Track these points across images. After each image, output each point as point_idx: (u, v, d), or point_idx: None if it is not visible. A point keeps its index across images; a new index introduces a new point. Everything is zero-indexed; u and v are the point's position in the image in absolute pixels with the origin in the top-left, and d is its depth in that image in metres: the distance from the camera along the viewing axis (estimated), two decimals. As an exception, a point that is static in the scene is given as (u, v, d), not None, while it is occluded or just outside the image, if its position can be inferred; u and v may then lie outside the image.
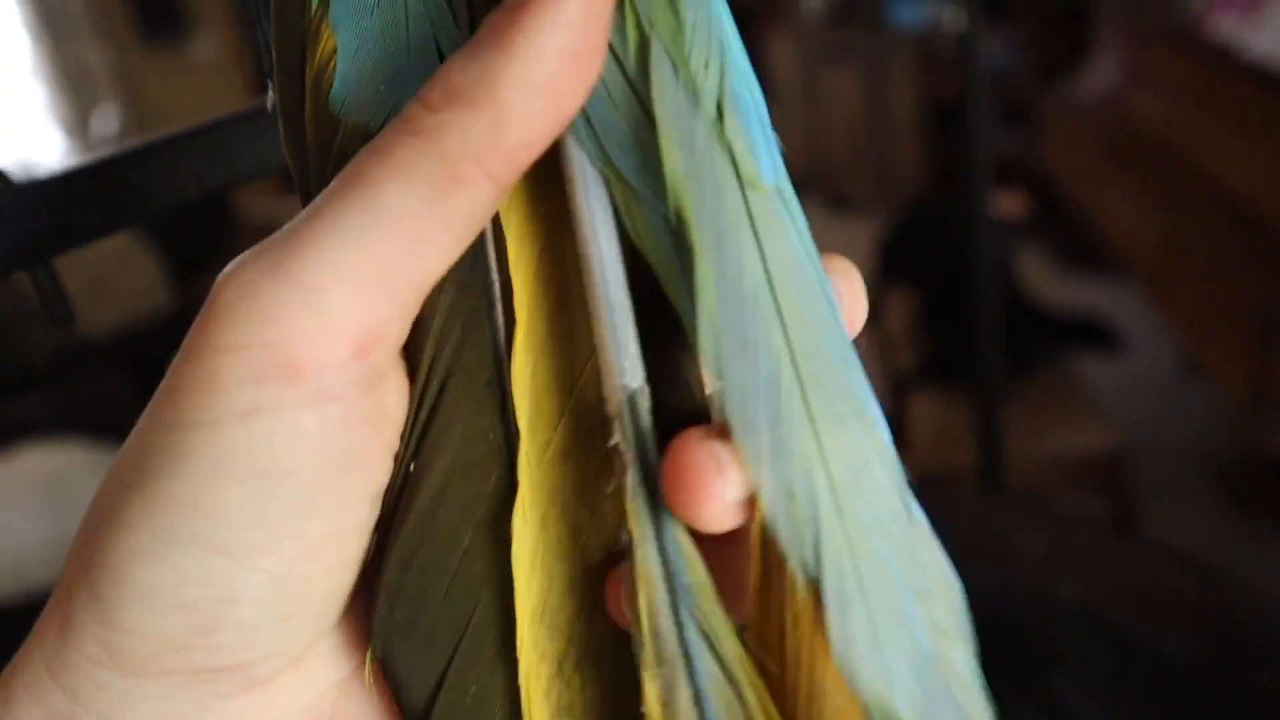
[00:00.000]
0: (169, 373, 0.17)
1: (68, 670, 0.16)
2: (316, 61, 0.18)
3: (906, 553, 0.16)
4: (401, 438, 0.18)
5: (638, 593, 0.16)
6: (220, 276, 0.16)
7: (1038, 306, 1.50)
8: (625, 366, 0.17)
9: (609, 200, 0.18)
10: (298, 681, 0.18)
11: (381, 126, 0.18)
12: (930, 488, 1.24)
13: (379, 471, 0.17)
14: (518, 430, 0.18)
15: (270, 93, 0.20)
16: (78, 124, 2.75)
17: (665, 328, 0.18)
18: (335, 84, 0.18)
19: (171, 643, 0.16)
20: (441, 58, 0.18)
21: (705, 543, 0.17)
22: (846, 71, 3.09)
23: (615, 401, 0.17)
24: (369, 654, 0.18)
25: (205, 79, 3.11)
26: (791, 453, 0.16)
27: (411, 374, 0.18)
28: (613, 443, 0.17)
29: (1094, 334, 1.45)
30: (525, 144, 0.16)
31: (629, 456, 0.17)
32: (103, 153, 0.29)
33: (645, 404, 0.17)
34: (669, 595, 0.16)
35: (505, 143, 0.16)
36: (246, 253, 0.17)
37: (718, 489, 0.16)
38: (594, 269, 0.17)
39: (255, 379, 0.16)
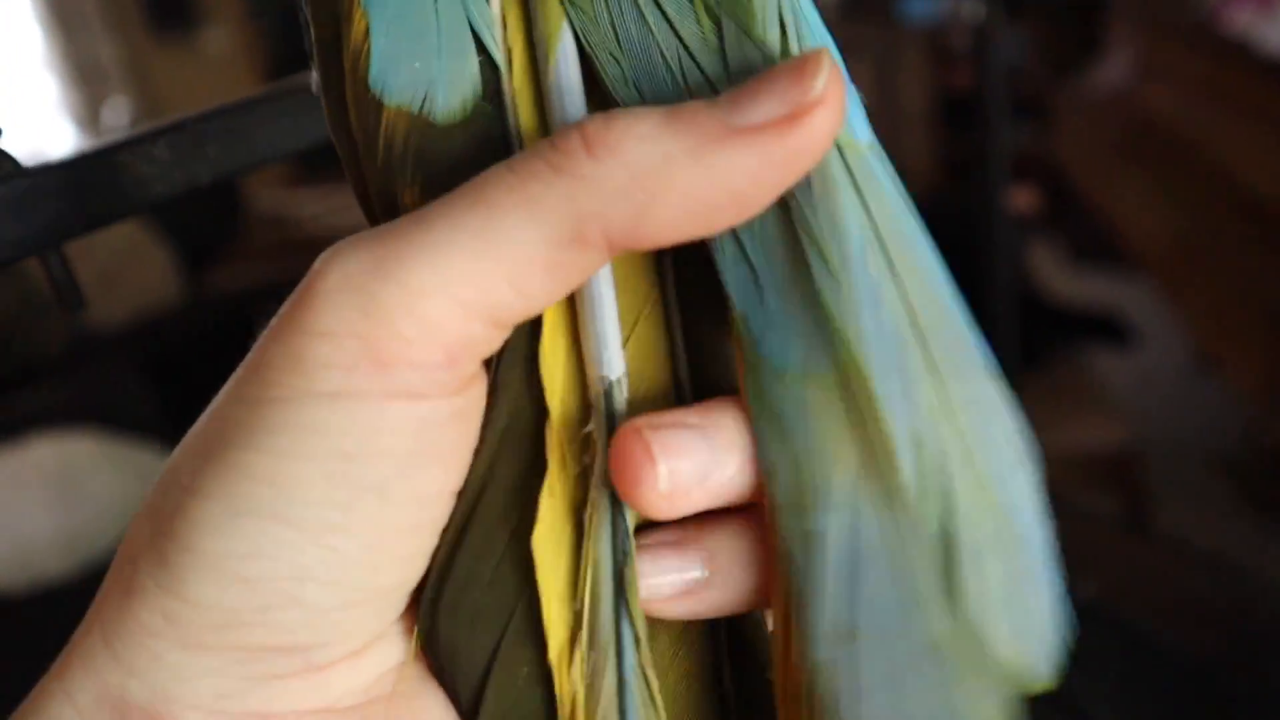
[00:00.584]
0: (254, 350, 0.17)
1: (124, 640, 0.16)
2: (352, 42, 0.18)
3: (1032, 504, 0.16)
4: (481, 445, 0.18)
5: (585, 576, 0.17)
6: (319, 262, 0.17)
7: (1050, 301, 1.49)
8: (604, 358, 0.17)
9: None
10: (358, 666, 0.18)
11: (423, 109, 0.18)
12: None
13: (458, 471, 0.18)
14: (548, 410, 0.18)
15: (314, 73, 0.20)
16: (89, 116, 2.75)
17: (705, 305, 0.18)
18: (372, 65, 0.18)
19: (234, 617, 0.16)
20: (474, 33, 0.18)
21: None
22: (857, 65, 3.07)
23: (595, 391, 0.18)
24: (415, 636, 0.18)
25: (216, 71, 3.11)
26: (918, 402, 0.16)
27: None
28: (587, 429, 0.17)
29: (1107, 329, 1.44)
30: (656, 238, 0.16)
31: (600, 445, 0.17)
32: (115, 137, 0.28)
33: (622, 395, 0.18)
34: (613, 584, 0.17)
35: (642, 230, 0.16)
36: (348, 241, 0.17)
37: (649, 478, 0.16)
38: None
39: (345, 365, 0.16)
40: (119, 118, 2.56)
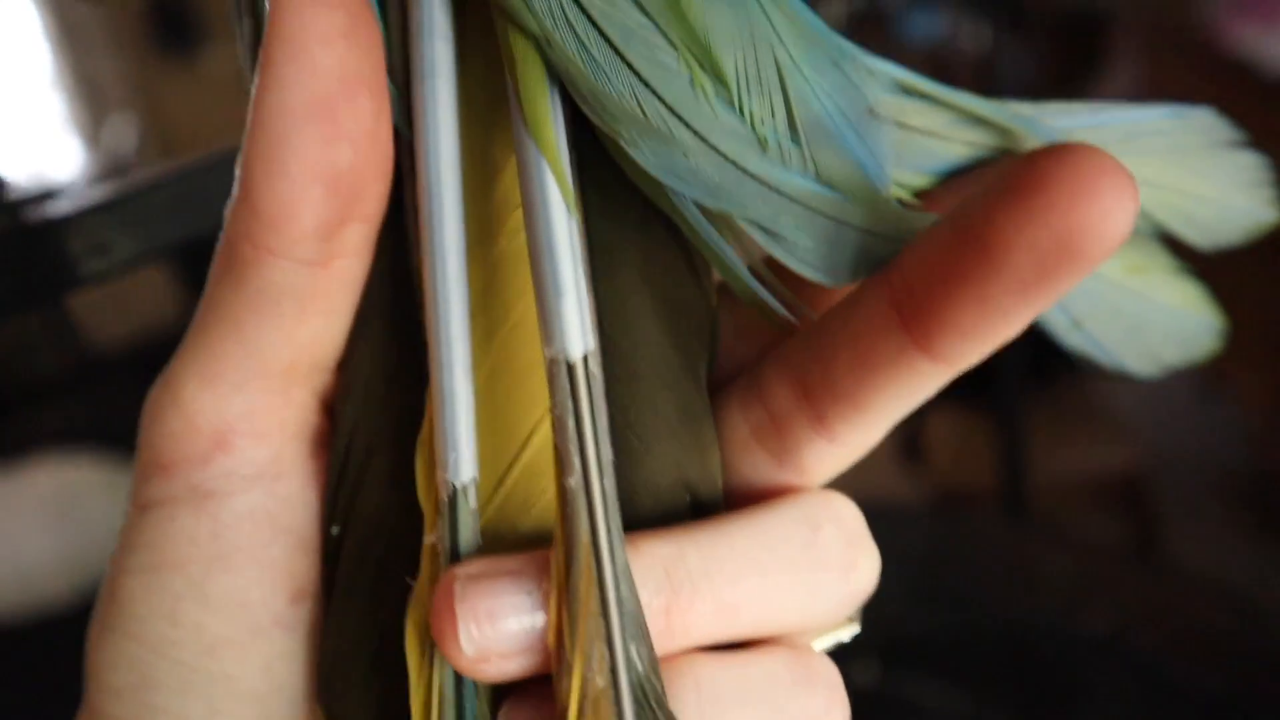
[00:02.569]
0: None
1: None
2: None
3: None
4: (325, 502, 0.18)
5: (430, 705, 0.16)
6: None
7: (1056, 322, 1.48)
8: (450, 458, 0.16)
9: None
10: None
11: None
12: (951, 510, 1.23)
13: (285, 568, 0.17)
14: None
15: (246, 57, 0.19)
16: (94, 134, 2.76)
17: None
18: None
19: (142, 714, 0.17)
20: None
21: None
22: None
23: (439, 497, 0.16)
24: None
25: (220, 90, 3.11)
26: None
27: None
28: (429, 540, 0.16)
29: (1113, 350, 1.43)
30: (277, 211, 0.16)
31: (442, 558, 0.16)
32: (132, 181, 0.28)
33: (469, 505, 0.16)
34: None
35: (260, 213, 0.16)
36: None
37: (452, 640, 0.15)
38: (431, 329, 0.16)
39: (141, 477, 0.17)
40: (122, 136, 2.56)
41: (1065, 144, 0.13)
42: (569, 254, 0.15)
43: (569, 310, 0.15)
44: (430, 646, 0.16)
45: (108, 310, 1.74)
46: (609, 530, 0.14)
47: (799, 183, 0.15)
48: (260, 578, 0.17)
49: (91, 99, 2.83)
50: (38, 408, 1.53)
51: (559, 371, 0.15)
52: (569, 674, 0.14)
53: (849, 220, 0.16)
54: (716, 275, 0.18)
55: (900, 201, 0.17)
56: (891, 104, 0.17)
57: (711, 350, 0.18)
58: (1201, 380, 1.61)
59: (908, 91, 0.17)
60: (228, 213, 0.16)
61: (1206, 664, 0.66)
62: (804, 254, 0.16)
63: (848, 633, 0.18)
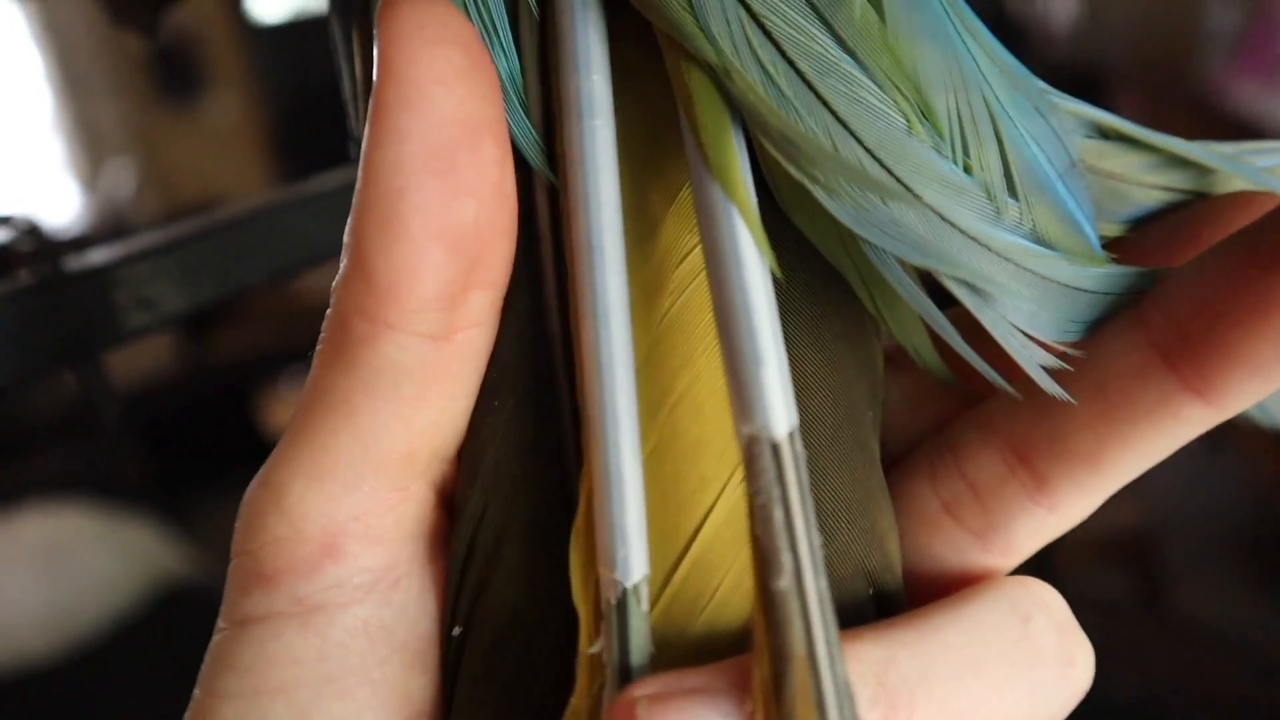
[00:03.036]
0: None
1: None
2: None
3: None
4: (447, 601, 0.15)
5: None
6: None
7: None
8: (619, 555, 0.13)
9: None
10: None
11: None
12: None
13: (401, 689, 0.15)
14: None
15: (352, 125, 0.18)
16: (91, 180, 2.76)
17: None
18: None
19: None
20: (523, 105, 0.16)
21: None
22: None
23: (604, 599, 0.14)
24: None
25: (220, 137, 3.13)
26: None
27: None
28: (594, 649, 0.14)
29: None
30: (395, 278, 0.14)
31: (610, 671, 0.13)
32: (174, 232, 0.27)
33: (640, 608, 0.13)
34: None
35: (376, 282, 0.14)
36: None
37: None
38: (593, 410, 0.14)
39: (238, 589, 0.15)
40: (121, 182, 2.56)
41: None
42: (768, 315, 0.13)
43: (771, 380, 0.13)
44: None
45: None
46: (827, 641, 0.12)
47: (1008, 238, 0.14)
48: (373, 701, 0.15)
49: (90, 144, 2.83)
50: (28, 456, 1.50)
51: (761, 452, 0.13)
52: None
53: (1059, 279, 0.14)
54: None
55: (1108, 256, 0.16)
56: (1090, 148, 0.16)
57: (880, 423, 0.16)
58: (1208, 436, 1.60)
59: (1104, 133, 0.16)
60: (336, 286, 0.14)
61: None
62: (1015, 314, 0.14)
63: None
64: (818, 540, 0.13)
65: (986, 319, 0.14)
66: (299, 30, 3.07)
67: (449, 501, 0.16)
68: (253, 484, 0.15)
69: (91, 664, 1.08)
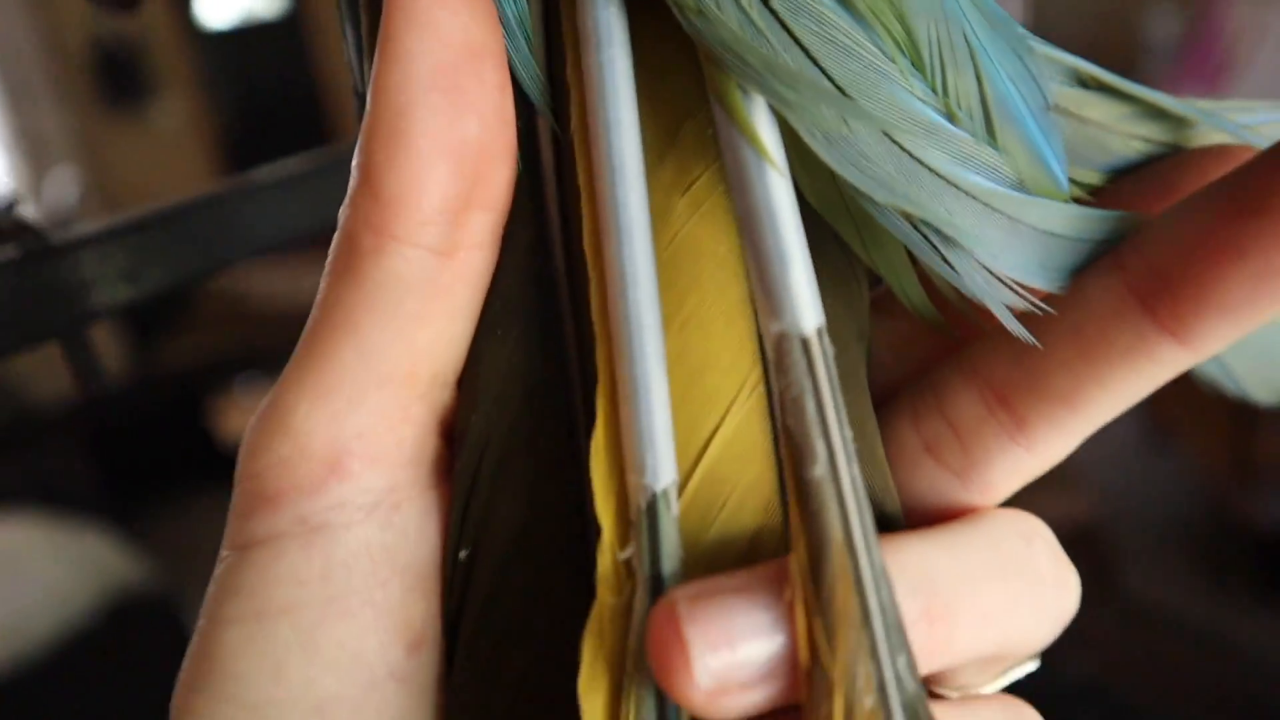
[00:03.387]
0: None
1: None
2: None
3: None
4: (450, 526, 0.16)
5: None
6: None
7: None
8: (648, 461, 0.14)
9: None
10: None
11: None
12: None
13: (402, 613, 0.15)
14: (597, 527, 0.14)
15: (356, 83, 0.18)
16: (35, 188, 2.71)
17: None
18: None
19: None
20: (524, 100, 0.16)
21: None
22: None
23: (634, 505, 0.14)
24: None
25: (167, 144, 3.09)
26: None
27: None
28: (624, 555, 0.14)
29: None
30: (401, 190, 0.14)
31: (640, 577, 0.14)
32: (158, 206, 0.27)
33: (670, 512, 0.14)
34: None
35: (383, 195, 0.14)
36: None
37: (683, 673, 0.12)
38: (619, 323, 0.14)
39: (241, 513, 0.15)
40: (65, 190, 2.51)
41: None
42: (792, 219, 0.14)
43: (798, 279, 0.13)
44: (619, 682, 0.13)
45: (45, 367, 1.69)
46: (863, 525, 0.12)
47: (976, 179, 0.14)
48: (375, 624, 0.15)
49: (33, 152, 2.78)
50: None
51: (791, 348, 0.13)
52: (829, 695, 0.12)
53: (1027, 220, 0.15)
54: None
55: (1076, 200, 0.16)
56: (1069, 95, 0.16)
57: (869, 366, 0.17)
58: (1152, 430, 1.65)
59: (1085, 83, 0.16)
60: (343, 206, 0.15)
61: (1186, 707, 0.66)
62: (983, 255, 0.15)
63: (1030, 668, 0.17)
64: (848, 431, 0.13)
65: (952, 256, 0.14)
66: (247, 35, 3.04)
67: (448, 431, 0.16)
68: (257, 410, 0.15)
69: (44, 675, 1.05)
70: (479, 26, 0.14)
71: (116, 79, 2.90)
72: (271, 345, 2.08)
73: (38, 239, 0.23)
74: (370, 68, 0.15)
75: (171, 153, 3.05)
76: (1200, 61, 1.54)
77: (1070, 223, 0.15)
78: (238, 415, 1.85)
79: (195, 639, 0.15)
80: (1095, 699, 0.63)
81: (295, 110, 3.20)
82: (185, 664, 0.15)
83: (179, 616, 1.27)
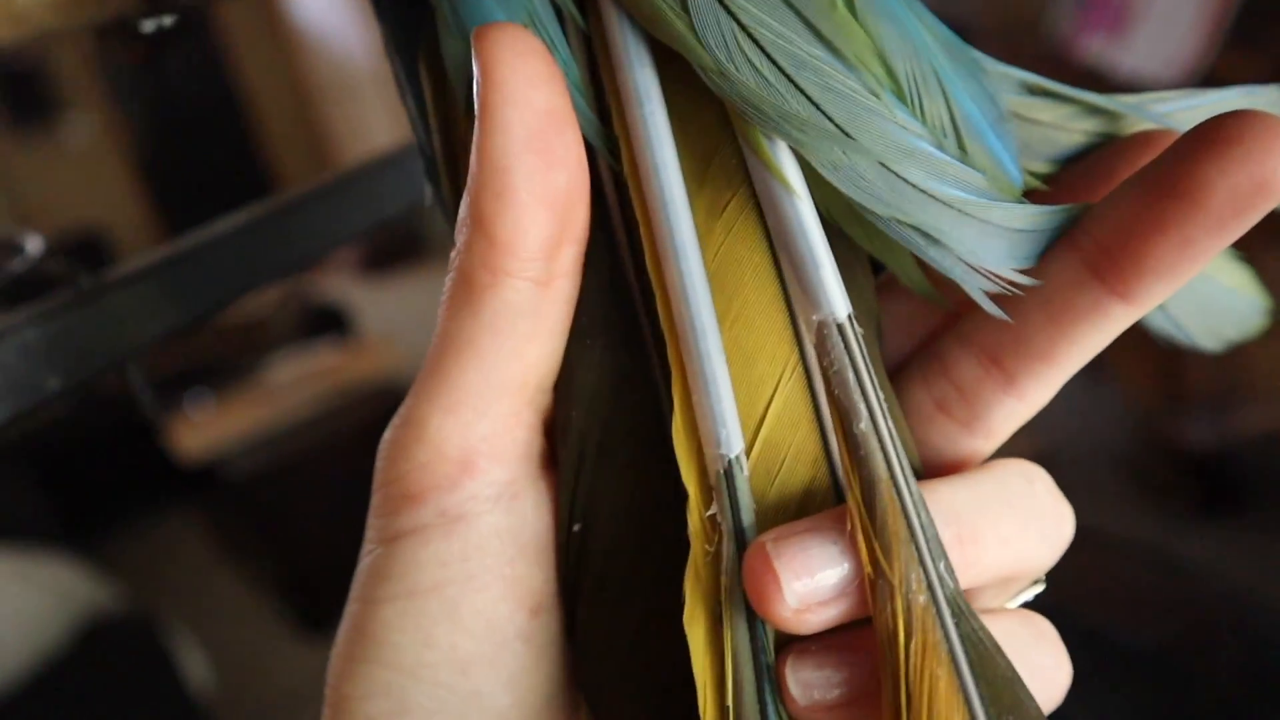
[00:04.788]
0: None
1: None
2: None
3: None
4: (561, 506, 0.19)
5: (728, 677, 0.16)
6: None
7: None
8: (720, 434, 0.17)
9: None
10: None
11: None
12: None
13: (525, 583, 0.18)
14: (685, 493, 0.18)
15: (429, 190, 0.21)
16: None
17: None
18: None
19: None
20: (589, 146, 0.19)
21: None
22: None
23: (713, 471, 0.17)
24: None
25: (80, 162, 3.01)
26: None
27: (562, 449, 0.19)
28: (709, 513, 0.17)
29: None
30: (510, 234, 0.17)
31: (725, 529, 0.17)
32: (180, 247, 0.28)
33: (743, 474, 0.17)
34: (754, 676, 0.16)
35: (495, 238, 0.17)
36: None
37: (776, 598, 0.16)
38: (685, 327, 0.18)
39: (387, 511, 0.18)
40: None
41: (1245, 111, 0.16)
42: (817, 231, 0.17)
43: (829, 277, 0.17)
44: (718, 615, 0.16)
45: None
46: (902, 467, 0.16)
47: (950, 191, 0.17)
48: (505, 594, 0.18)
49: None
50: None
51: (830, 332, 0.17)
52: (891, 598, 0.15)
53: (993, 220, 0.18)
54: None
55: (1030, 193, 0.20)
56: (1021, 103, 0.20)
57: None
58: (1089, 368, 1.71)
59: (1033, 91, 0.20)
60: (457, 251, 0.18)
61: (1138, 621, 0.71)
62: (961, 251, 0.18)
63: (1038, 589, 0.20)
64: (882, 393, 0.16)
65: (934, 255, 0.18)
66: (159, 49, 2.97)
67: (549, 429, 0.19)
68: (391, 425, 0.18)
69: (20, 704, 1.05)
70: (557, 95, 0.17)
71: (22, 96, 2.82)
72: (215, 360, 2.05)
73: (73, 286, 0.25)
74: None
75: (84, 170, 2.98)
76: (1102, 6, 1.59)
77: (1028, 219, 0.18)
78: (194, 432, 1.83)
79: (348, 620, 0.18)
80: (1049, 616, 0.67)
81: (209, 120, 3.13)
82: (340, 639, 0.18)
83: (153, 635, 1.27)
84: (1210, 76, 1.36)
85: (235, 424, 1.88)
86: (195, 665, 1.37)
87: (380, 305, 2.93)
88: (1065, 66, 1.61)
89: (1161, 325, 0.21)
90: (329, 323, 2.45)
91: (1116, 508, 1.44)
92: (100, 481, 1.85)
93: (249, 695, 1.52)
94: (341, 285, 3.07)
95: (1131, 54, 1.47)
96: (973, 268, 0.18)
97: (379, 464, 0.18)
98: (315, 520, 1.64)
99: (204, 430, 1.85)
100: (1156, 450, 1.49)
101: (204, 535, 1.92)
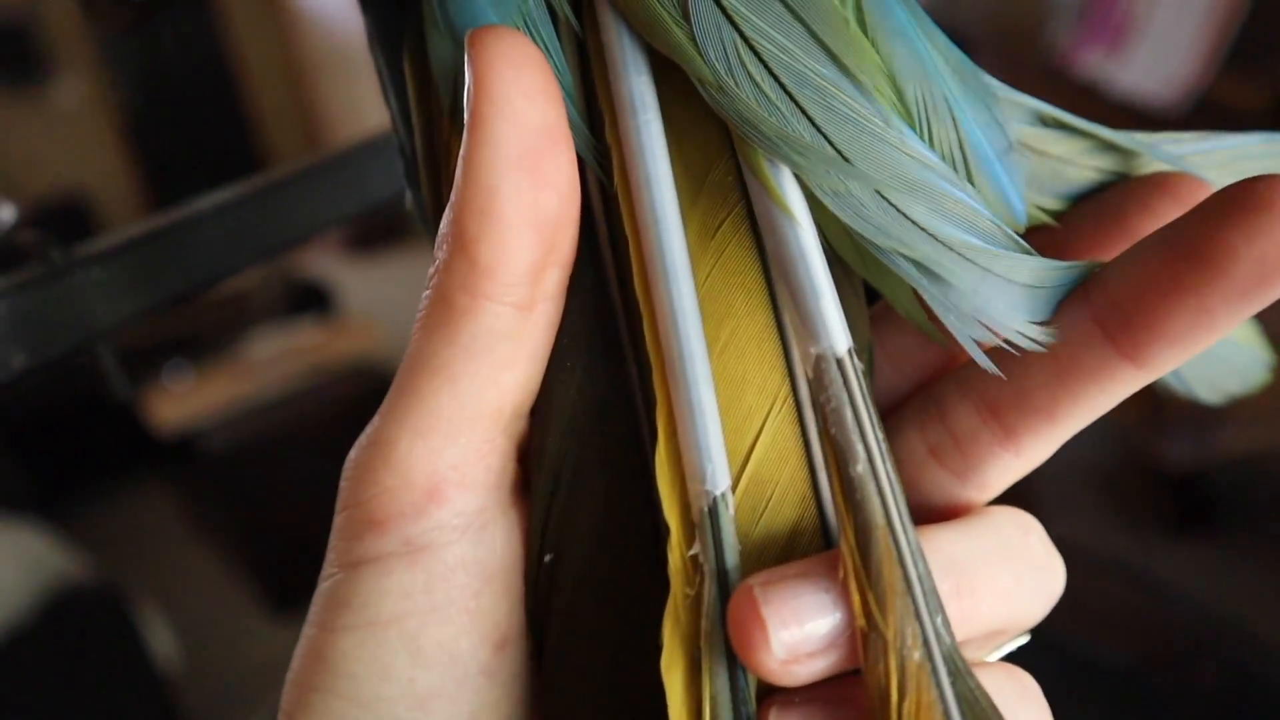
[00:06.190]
0: None
1: None
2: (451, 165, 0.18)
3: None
4: (531, 536, 0.18)
5: (704, 717, 0.15)
6: None
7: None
8: (707, 470, 0.16)
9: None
10: None
11: None
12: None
13: (491, 616, 0.17)
14: (665, 529, 0.16)
15: (409, 193, 0.20)
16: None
17: None
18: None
19: None
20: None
21: None
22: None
23: (696, 509, 0.16)
24: None
25: (67, 126, 2.98)
26: None
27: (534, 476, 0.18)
28: (691, 552, 0.16)
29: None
30: (493, 257, 0.16)
31: (707, 569, 0.16)
32: (161, 222, 0.27)
33: (728, 512, 0.16)
34: None
35: (477, 261, 0.16)
36: None
37: (762, 646, 0.15)
38: (672, 352, 0.17)
39: (349, 536, 0.17)
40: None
41: (1276, 175, 0.15)
42: (819, 259, 0.16)
43: (829, 309, 0.16)
44: (697, 660, 0.16)
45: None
46: (899, 512, 0.15)
47: (950, 231, 0.16)
48: (469, 627, 0.17)
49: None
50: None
51: (829, 367, 0.16)
52: (885, 654, 0.14)
53: (995, 271, 0.16)
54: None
55: (1037, 230, 0.19)
56: (1033, 134, 0.19)
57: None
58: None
59: (1046, 122, 0.19)
60: (436, 269, 0.17)
61: (1113, 639, 0.71)
62: (957, 298, 0.17)
63: (1021, 641, 0.19)
64: (881, 434, 0.15)
65: (929, 296, 0.17)
66: (149, 16, 2.94)
67: (523, 455, 0.18)
68: (358, 445, 0.17)
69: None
70: (552, 110, 0.16)
71: (13, 57, 2.79)
72: (195, 332, 2.04)
73: (44, 260, 0.24)
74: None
75: (73, 132, 2.95)
76: (1101, 23, 1.59)
77: (1034, 274, 0.17)
78: (171, 403, 1.82)
79: (304, 644, 0.17)
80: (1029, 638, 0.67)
81: (201, 86, 3.10)
82: (295, 665, 0.17)
83: (120, 605, 1.26)
84: (1207, 97, 1.36)
85: (213, 397, 1.87)
86: (162, 639, 1.36)
87: (364, 284, 2.92)
88: (1063, 80, 1.61)
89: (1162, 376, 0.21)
90: (311, 300, 2.44)
91: (1093, 525, 1.45)
92: (72, 449, 1.83)
93: (217, 670, 1.51)
94: (325, 263, 3.04)
95: (1129, 71, 1.47)
96: (971, 317, 0.17)
97: (344, 484, 0.17)
98: (290, 497, 1.63)
99: (181, 402, 1.83)
100: (1135, 469, 1.50)
101: (177, 508, 1.91)
